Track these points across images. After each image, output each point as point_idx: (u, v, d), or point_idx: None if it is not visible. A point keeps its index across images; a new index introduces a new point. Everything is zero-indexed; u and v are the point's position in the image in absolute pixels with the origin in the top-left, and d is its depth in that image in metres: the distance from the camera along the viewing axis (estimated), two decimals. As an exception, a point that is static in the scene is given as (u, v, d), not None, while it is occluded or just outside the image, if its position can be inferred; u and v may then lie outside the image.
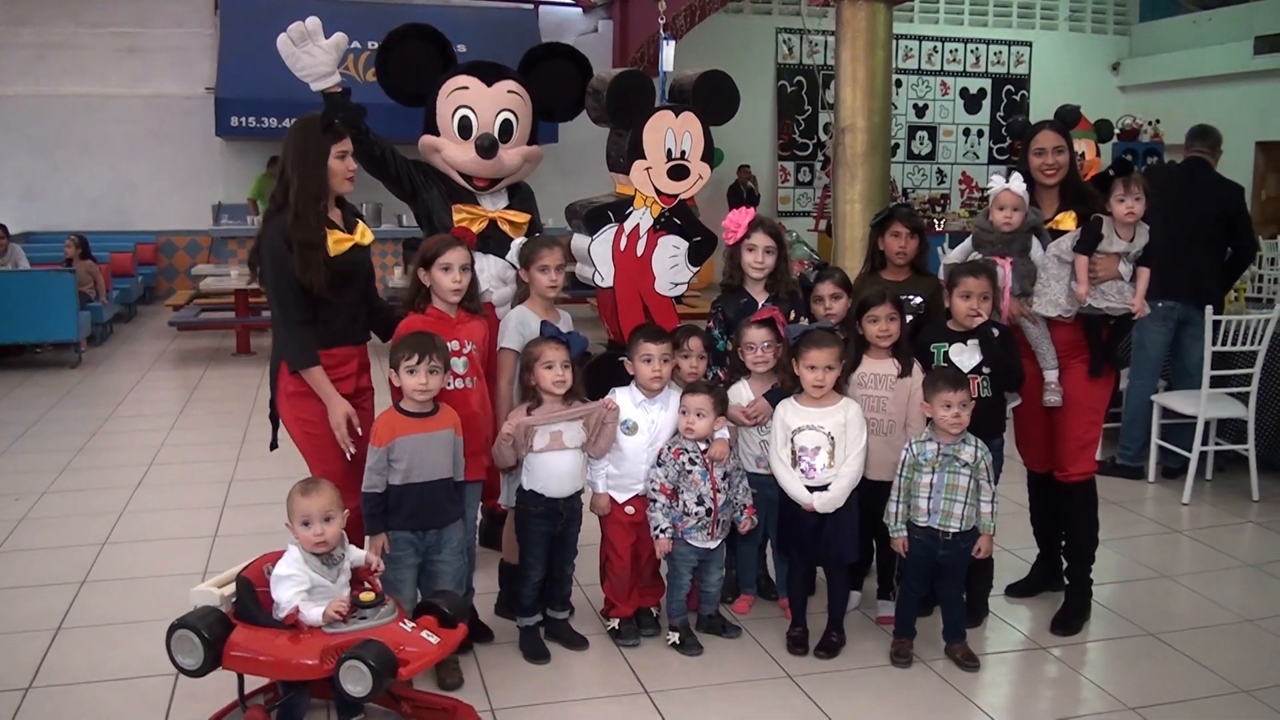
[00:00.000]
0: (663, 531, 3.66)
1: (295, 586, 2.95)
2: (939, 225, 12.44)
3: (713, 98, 4.21)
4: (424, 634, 3.00)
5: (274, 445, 3.76)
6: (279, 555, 3.04)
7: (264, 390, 7.98)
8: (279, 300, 3.42)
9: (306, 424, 3.48)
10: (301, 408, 3.48)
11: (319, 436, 3.47)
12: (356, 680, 2.82)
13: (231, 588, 3.06)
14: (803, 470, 3.59)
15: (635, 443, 3.72)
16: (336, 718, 3.16)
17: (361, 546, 3.30)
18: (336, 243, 3.44)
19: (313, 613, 2.93)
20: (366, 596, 3.00)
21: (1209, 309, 5.36)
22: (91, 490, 5.60)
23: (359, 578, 3.18)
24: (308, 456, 3.57)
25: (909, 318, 3.85)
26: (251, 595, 3.01)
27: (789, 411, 3.64)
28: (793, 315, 3.93)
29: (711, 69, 4.24)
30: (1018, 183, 3.83)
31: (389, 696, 3.15)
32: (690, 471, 3.65)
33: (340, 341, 3.52)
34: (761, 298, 3.98)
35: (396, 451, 3.27)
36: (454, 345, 3.50)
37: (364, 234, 3.59)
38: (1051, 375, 3.90)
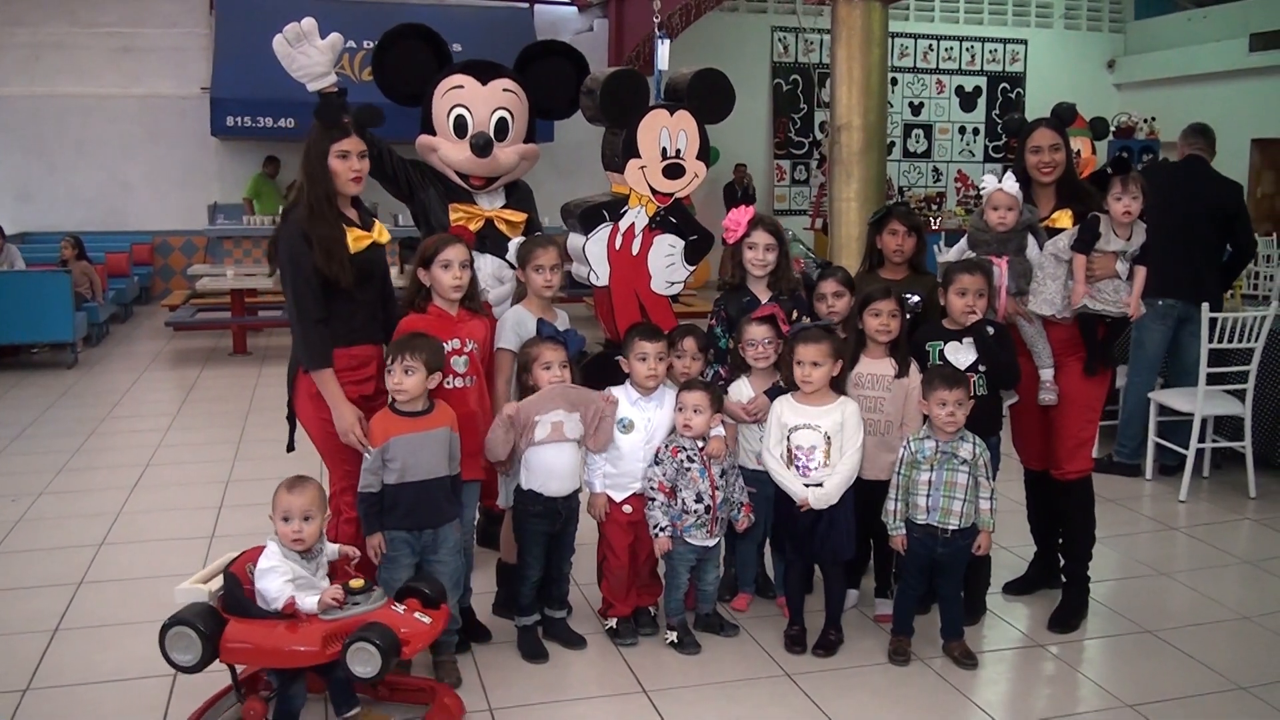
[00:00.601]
0: (662, 530, 3.66)
1: (281, 576, 2.98)
2: (935, 224, 12.45)
3: (708, 96, 4.21)
4: (416, 615, 3.05)
5: (290, 447, 3.73)
6: (258, 552, 3.07)
7: (260, 390, 8.06)
8: (295, 297, 3.39)
9: (328, 424, 3.43)
10: (323, 409, 3.43)
11: (339, 438, 3.46)
12: (364, 661, 2.87)
13: (216, 582, 3.08)
14: (799, 469, 3.60)
15: (632, 441, 3.72)
16: (333, 711, 3.17)
17: (364, 549, 3.33)
18: (355, 240, 3.43)
19: (308, 601, 2.95)
20: (356, 584, 3.04)
21: (1205, 306, 5.36)
22: (88, 491, 5.60)
23: (339, 568, 3.21)
24: (326, 458, 3.57)
25: (907, 316, 3.85)
26: (241, 589, 3.03)
27: (786, 409, 3.64)
28: (795, 314, 3.93)
29: (707, 67, 4.24)
30: (1010, 182, 3.83)
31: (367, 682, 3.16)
32: (689, 469, 3.65)
33: (361, 340, 3.49)
34: (764, 296, 3.97)
35: (391, 451, 3.28)
36: (454, 344, 3.49)
37: (381, 233, 3.57)
38: (1047, 374, 3.90)
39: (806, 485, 3.58)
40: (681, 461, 3.66)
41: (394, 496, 3.30)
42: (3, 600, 4.18)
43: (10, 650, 3.73)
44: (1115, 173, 3.70)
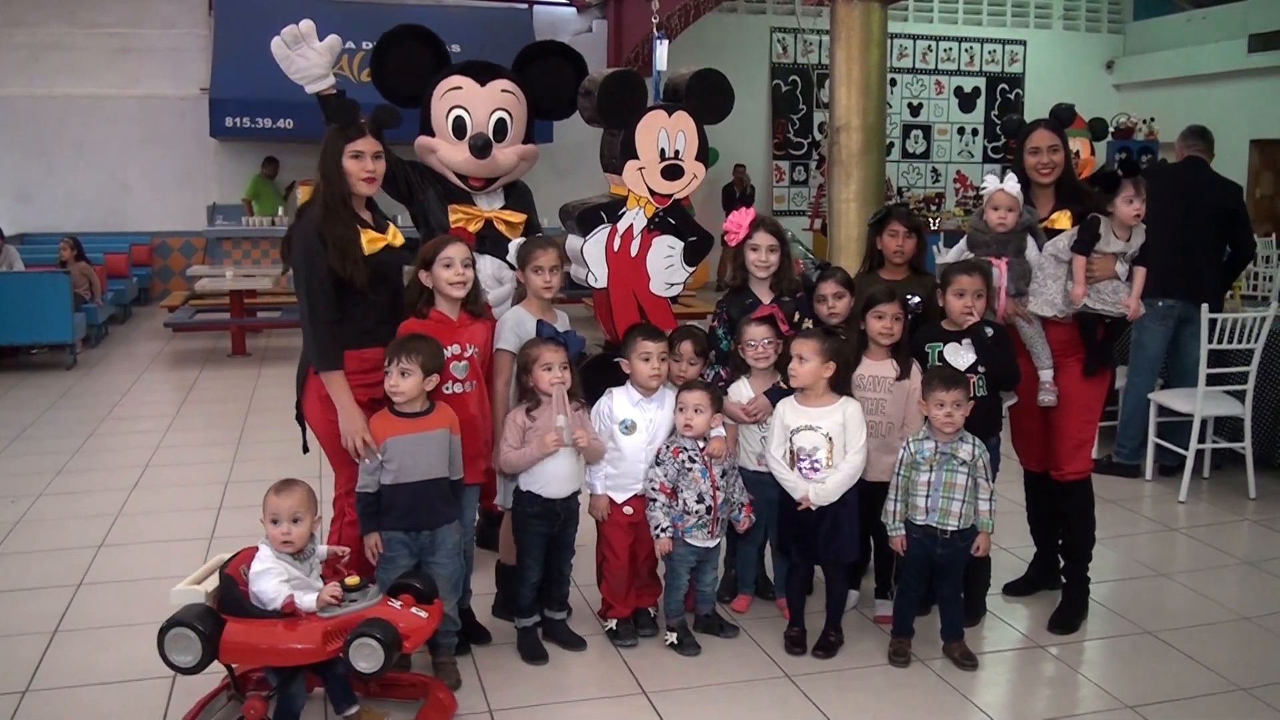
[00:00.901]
0: (663, 531, 3.66)
1: (276, 577, 2.99)
2: (934, 224, 12.45)
3: (706, 97, 4.20)
4: (413, 610, 3.07)
5: (305, 449, 3.72)
6: (252, 553, 3.07)
7: (260, 391, 8.06)
8: (308, 296, 3.38)
9: (335, 426, 3.41)
10: (331, 410, 3.41)
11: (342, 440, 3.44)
12: (368, 656, 2.89)
13: (211, 581, 3.09)
14: (801, 471, 3.59)
15: (633, 442, 3.72)
16: (332, 710, 3.18)
17: (362, 551, 3.33)
18: (370, 242, 3.42)
19: (306, 600, 2.96)
20: (352, 581, 3.04)
21: (1204, 306, 5.36)
22: (87, 492, 5.59)
23: (332, 566, 3.22)
24: (332, 460, 3.56)
25: (908, 317, 3.84)
26: (237, 590, 3.04)
27: (788, 411, 3.64)
28: (797, 316, 3.93)
29: (705, 68, 4.23)
30: (1012, 183, 3.83)
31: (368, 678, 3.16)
32: (690, 470, 3.65)
33: (373, 342, 3.45)
34: (766, 297, 3.96)
35: (388, 452, 3.28)
36: (454, 350, 3.47)
37: (395, 235, 3.56)
38: (1046, 375, 3.90)
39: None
40: (683, 462, 3.65)
41: (390, 497, 3.30)
42: (2, 602, 4.17)
43: (9, 652, 3.72)
44: (1126, 175, 3.69)
